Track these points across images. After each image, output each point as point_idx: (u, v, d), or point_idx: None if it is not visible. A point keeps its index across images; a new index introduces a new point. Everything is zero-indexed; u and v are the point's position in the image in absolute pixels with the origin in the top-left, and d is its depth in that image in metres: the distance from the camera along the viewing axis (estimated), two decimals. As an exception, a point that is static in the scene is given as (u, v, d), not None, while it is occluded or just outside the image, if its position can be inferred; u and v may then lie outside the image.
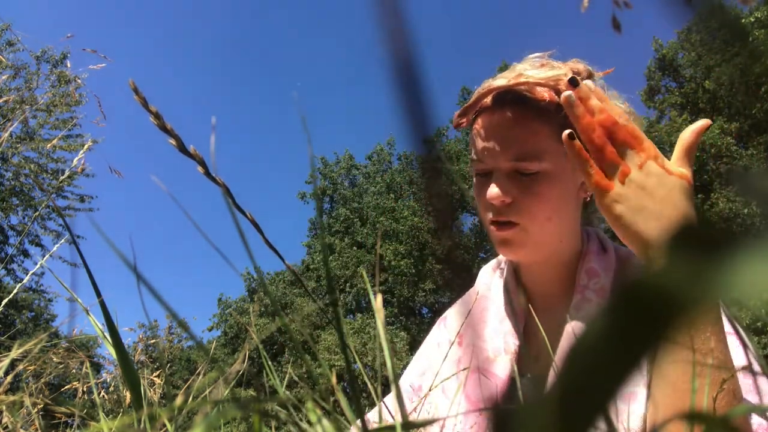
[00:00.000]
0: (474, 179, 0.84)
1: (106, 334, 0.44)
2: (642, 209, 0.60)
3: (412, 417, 0.84)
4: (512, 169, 0.78)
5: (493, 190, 0.77)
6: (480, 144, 0.80)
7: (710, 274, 0.11)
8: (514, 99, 0.78)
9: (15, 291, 1.28)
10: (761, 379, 0.65)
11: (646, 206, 0.60)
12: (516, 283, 0.90)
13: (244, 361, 0.41)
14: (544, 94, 0.76)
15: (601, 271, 0.82)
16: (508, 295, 0.90)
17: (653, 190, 0.60)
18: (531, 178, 0.77)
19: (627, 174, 0.61)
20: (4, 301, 1.14)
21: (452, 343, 0.92)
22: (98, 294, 0.39)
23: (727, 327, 0.65)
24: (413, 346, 15.31)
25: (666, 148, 15.64)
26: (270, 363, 0.49)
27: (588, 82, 0.65)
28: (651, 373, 0.63)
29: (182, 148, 0.37)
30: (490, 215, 0.79)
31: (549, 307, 0.85)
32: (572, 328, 0.78)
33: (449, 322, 0.99)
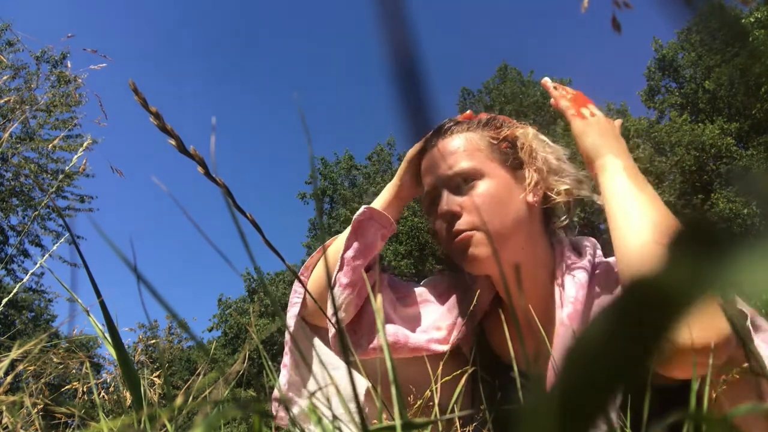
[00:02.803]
0: (429, 215, 0.95)
1: (106, 335, 0.44)
2: (603, 134, 0.89)
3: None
4: (453, 185, 0.89)
5: (443, 206, 0.88)
6: (424, 175, 0.95)
7: (711, 274, 0.11)
8: (441, 129, 0.95)
9: (15, 291, 1.28)
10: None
11: (605, 133, 0.89)
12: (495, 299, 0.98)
13: (244, 362, 0.41)
14: (465, 115, 0.99)
15: (579, 270, 0.87)
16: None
17: (609, 128, 0.91)
18: (471, 186, 0.88)
19: (593, 114, 0.92)
20: (4, 301, 1.14)
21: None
22: (98, 294, 0.39)
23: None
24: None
25: (666, 148, 15.65)
26: (270, 363, 0.49)
27: (546, 79, 1.01)
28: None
29: (182, 149, 0.37)
30: (449, 229, 0.88)
31: (528, 314, 0.87)
32: (563, 328, 0.80)
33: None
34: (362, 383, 0.94)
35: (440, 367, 0.84)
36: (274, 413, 0.91)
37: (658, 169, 15.06)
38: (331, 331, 0.91)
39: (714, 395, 0.56)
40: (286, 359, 0.96)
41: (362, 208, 0.95)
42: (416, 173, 0.98)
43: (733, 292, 0.11)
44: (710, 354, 0.58)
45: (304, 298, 0.98)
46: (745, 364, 0.65)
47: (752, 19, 12.00)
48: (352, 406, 0.85)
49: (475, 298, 0.96)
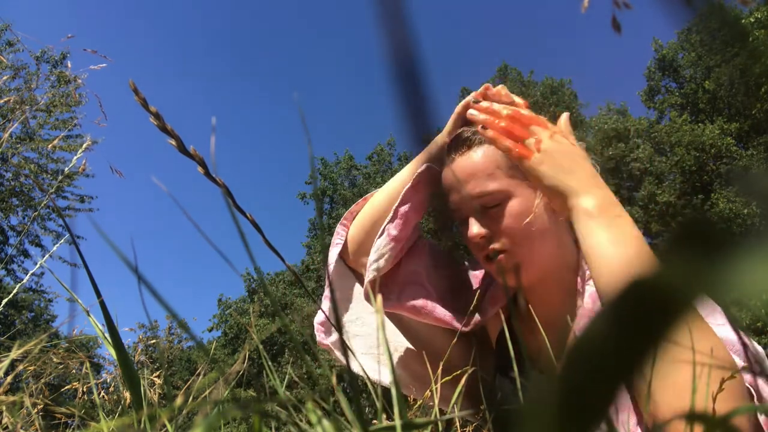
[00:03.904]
0: (459, 226, 0.93)
1: (106, 335, 0.44)
2: (560, 167, 0.77)
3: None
4: (480, 206, 0.86)
5: (472, 230, 0.86)
6: (447, 190, 0.91)
7: (711, 274, 0.11)
8: (464, 143, 0.89)
9: (15, 291, 1.28)
10: (761, 380, 0.65)
11: (562, 165, 0.77)
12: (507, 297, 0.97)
13: (244, 362, 0.41)
14: (479, 133, 0.88)
15: None
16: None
17: (565, 154, 0.78)
18: (497, 209, 0.85)
19: (541, 143, 0.79)
20: (4, 302, 1.14)
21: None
22: (98, 294, 0.39)
23: (728, 329, 0.67)
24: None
25: (666, 148, 15.66)
26: (270, 363, 0.49)
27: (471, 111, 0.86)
28: (650, 373, 0.64)
29: (182, 149, 0.37)
30: (480, 254, 0.88)
31: (551, 318, 0.87)
32: (575, 331, 0.80)
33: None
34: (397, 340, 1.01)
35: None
36: (317, 338, 1.00)
37: (658, 169, 15.06)
38: (368, 276, 0.93)
39: (714, 395, 0.56)
40: (327, 291, 1.00)
41: (424, 166, 0.95)
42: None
43: (732, 292, 0.11)
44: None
45: (345, 242, 1.01)
46: (745, 365, 0.65)
47: (752, 19, 12.00)
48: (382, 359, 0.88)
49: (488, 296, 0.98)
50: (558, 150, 0.78)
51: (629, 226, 0.72)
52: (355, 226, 1.01)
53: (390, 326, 1.04)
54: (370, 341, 1.02)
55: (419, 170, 0.95)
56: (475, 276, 1.04)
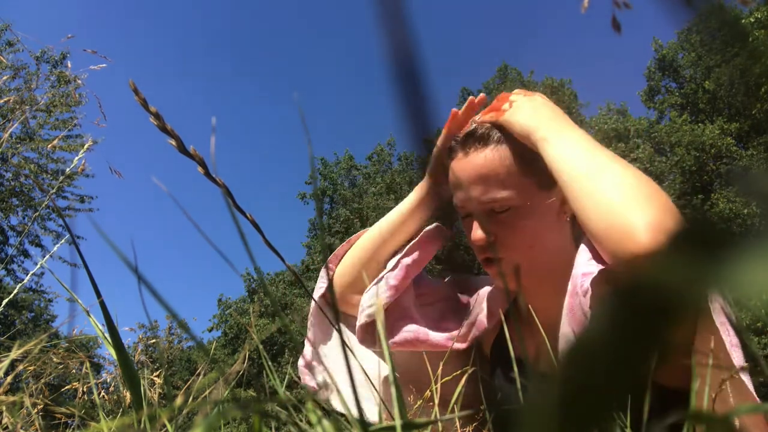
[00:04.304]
0: (461, 219, 0.93)
1: (106, 335, 0.44)
2: (527, 112, 0.83)
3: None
4: (487, 209, 0.85)
5: (476, 233, 0.86)
6: (454, 188, 0.91)
7: (711, 274, 0.11)
8: (478, 141, 0.88)
9: (15, 291, 1.28)
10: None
11: (528, 110, 0.83)
12: (506, 299, 0.99)
13: (244, 362, 0.41)
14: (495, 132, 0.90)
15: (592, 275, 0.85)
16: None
17: (529, 102, 0.85)
18: (506, 214, 0.84)
19: (511, 101, 0.87)
20: (4, 302, 1.14)
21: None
22: (98, 294, 0.39)
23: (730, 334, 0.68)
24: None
25: (666, 148, 15.65)
26: (270, 363, 0.49)
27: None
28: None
29: (182, 149, 0.37)
30: (481, 255, 0.89)
31: (549, 317, 0.87)
32: (566, 331, 0.80)
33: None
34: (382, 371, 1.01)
35: (444, 365, 0.83)
36: (301, 377, 1.01)
37: (658, 169, 15.05)
38: (361, 320, 0.95)
39: (714, 395, 0.56)
40: (310, 334, 1.03)
41: (434, 225, 0.98)
42: (440, 181, 0.99)
43: (732, 292, 0.11)
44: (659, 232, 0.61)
45: (330, 284, 1.03)
46: (745, 365, 0.65)
47: (752, 19, 12.00)
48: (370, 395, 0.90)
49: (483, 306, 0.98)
50: (524, 101, 0.86)
51: (577, 132, 0.77)
52: (349, 263, 1.02)
53: (371, 356, 1.04)
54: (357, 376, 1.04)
55: (427, 228, 0.98)
56: (463, 293, 1.05)
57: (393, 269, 0.95)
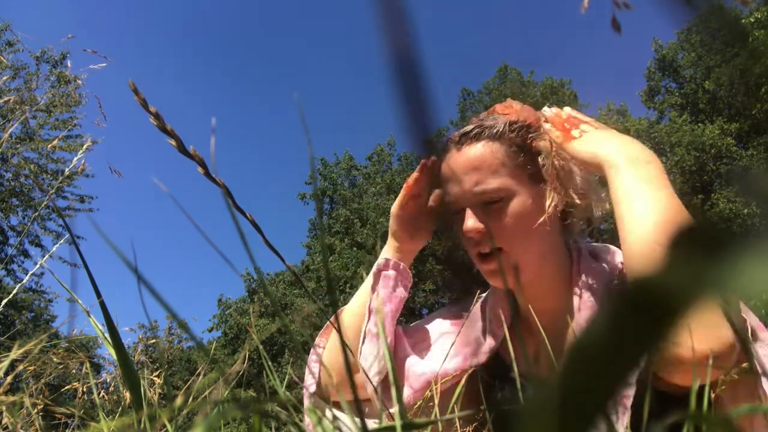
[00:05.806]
0: (454, 217, 0.91)
1: (106, 335, 0.44)
2: (597, 141, 0.83)
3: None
4: (480, 201, 0.85)
5: (468, 223, 0.85)
6: (447, 182, 0.91)
7: (710, 274, 0.11)
8: (471, 136, 0.89)
9: (15, 291, 1.28)
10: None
11: (599, 139, 0.83)
12: (508, 301, 0.96)
13: (244, 362, 0.41)
14: (496, 121, 0.90)
15: (596, 275, 0.86)
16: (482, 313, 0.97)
17: (602, 132, 0.86)
18: (499, 205, 0.85)
19: (582, 130, 0.87)
20: (4, 302, 1.14)
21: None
22: (98, 294, 0.39)
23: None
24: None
25: (666, 148, 15.65)
26: (270, 364, 0.49)
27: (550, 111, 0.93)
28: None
29: (182, 149, 0.37)
30: (474, 249, 0.87)
31: (548, 319, 0.87)
32: (574, 331, 0.80)
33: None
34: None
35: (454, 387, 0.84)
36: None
37: (658, 169, 15.02)
38: (372, 383, 0.88)
39: (714, 395, 0.56)
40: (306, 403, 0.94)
41: (381, 258, 0.96)
42: (410, 228, 0.97)
43: (734, 294, 0.11)
44: (709, 363, 0.57)
45: (320, 374, 0.95)
46: (745, 364, 0.65)
47: (752, 20, 12.00)
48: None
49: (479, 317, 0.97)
50: (596, 130, 0.86)
51: (665, 185, 0.74)
52: (334, 360, 0.95)
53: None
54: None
55: (376, 264, 0.96)
56: (455, 323, 1.01)
57: (368, 319, 0.92)
